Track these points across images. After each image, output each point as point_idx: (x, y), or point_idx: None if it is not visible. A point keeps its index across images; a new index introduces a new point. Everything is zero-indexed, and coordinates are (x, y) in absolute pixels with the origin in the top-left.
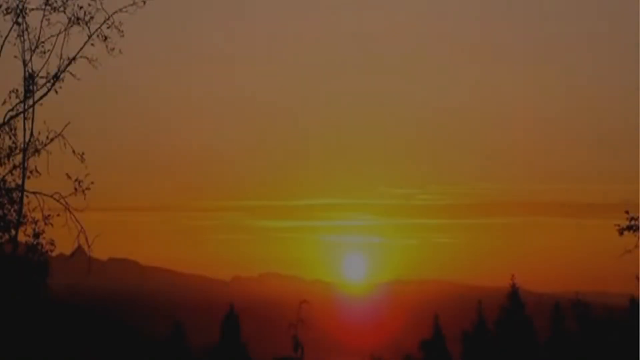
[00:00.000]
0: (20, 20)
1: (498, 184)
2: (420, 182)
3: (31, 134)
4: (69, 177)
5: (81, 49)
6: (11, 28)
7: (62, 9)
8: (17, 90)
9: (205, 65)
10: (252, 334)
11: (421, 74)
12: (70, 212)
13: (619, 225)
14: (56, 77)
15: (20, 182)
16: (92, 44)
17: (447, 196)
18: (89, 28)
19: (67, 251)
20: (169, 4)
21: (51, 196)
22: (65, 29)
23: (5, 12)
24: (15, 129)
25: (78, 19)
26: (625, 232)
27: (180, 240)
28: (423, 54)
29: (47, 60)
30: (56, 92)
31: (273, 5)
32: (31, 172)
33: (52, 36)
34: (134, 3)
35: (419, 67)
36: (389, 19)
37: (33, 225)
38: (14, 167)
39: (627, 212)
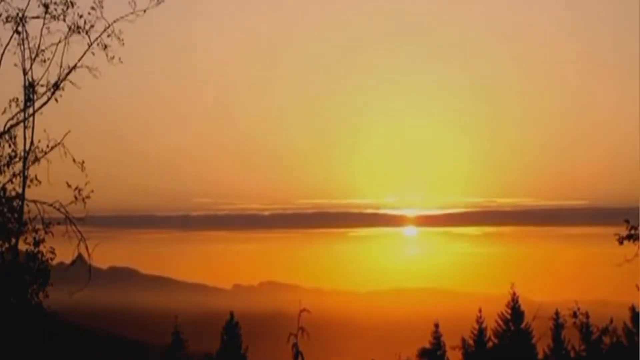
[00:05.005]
0: (20, 28)
1: (496, 192)
2: (418, 189)
3: (31, 143)
4: (69, 186)
5: (81, 57)
6: (11, 37)
7: (62, 17)
8: (17, 99)
9: (208, 73)
10: (253, 343)
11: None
12: (70, 220)
13: (618, 235)
14: (56, 86)
15: (20, 190)
16: (92, 53)
17: (446, 205)
18: (89, 37)
19: (67, 260)
20: (169, 13)
21: (51, 205)
22: (65, 38)
23: (5, 20)
24: (15, 138)
25: (78, 27)
26: (625, 242)
27: (180, 249)
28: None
29: (48, 68)
30: (56, 100)
31: (280, 6)
32: (31, 180)
33: (52, 45)
34: (134, 12)
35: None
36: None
37: (33, 234)
38: (14, 175)
39: (627, 222)
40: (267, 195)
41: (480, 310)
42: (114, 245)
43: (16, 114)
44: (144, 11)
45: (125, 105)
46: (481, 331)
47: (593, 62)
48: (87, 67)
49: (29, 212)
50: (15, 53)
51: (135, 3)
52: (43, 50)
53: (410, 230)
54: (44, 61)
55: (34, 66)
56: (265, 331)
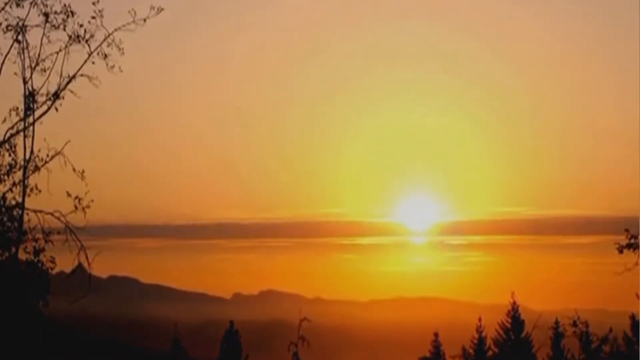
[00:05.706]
0: (20, 38)
1: (496, 201)
2: (417, 198)
3: (31, 152)
4: (69, 195)
5: (81, 66)
6: (11, 46)
7: (62, 26)
8: (17, 108)
9: (208, 81)
10: (253, 352)
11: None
12: (70, 229)
13: (618, 244)
14: (56, 95)
15: (20, 199)
16: (92, 62)
17: (446, 214)
18: (89, 46)
19: (67, 269)
20: (169, 21)
21: (51, 214)
22: (65, 47)
23: (5, 29)
24: (15, 147)
25: (78, 36)
26: (625, 251)
27: (180, 258)
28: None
29: (48, 78)
30: (56, 109)
31: (275, 20)
32: (31, 189)
33: (52, 54)
34: (134, 21)
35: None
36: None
37: (33, 243)
38: (14, 184)
39: (627, 231)
40: (264, 204)
41: (480, 320)
42: (114, 254)
43: (16, 123)
44: (144, 20)
45: (125, 114)
46: (481, 340)
47: (593, 72)
48: (87, 76)
49: (29, 221)
50: (15, 62)
51: (135, 12)
52: (43, 60)
53: (410, 240)
54: (44, 70)
55: (34, 75)
56: (266, 340)
